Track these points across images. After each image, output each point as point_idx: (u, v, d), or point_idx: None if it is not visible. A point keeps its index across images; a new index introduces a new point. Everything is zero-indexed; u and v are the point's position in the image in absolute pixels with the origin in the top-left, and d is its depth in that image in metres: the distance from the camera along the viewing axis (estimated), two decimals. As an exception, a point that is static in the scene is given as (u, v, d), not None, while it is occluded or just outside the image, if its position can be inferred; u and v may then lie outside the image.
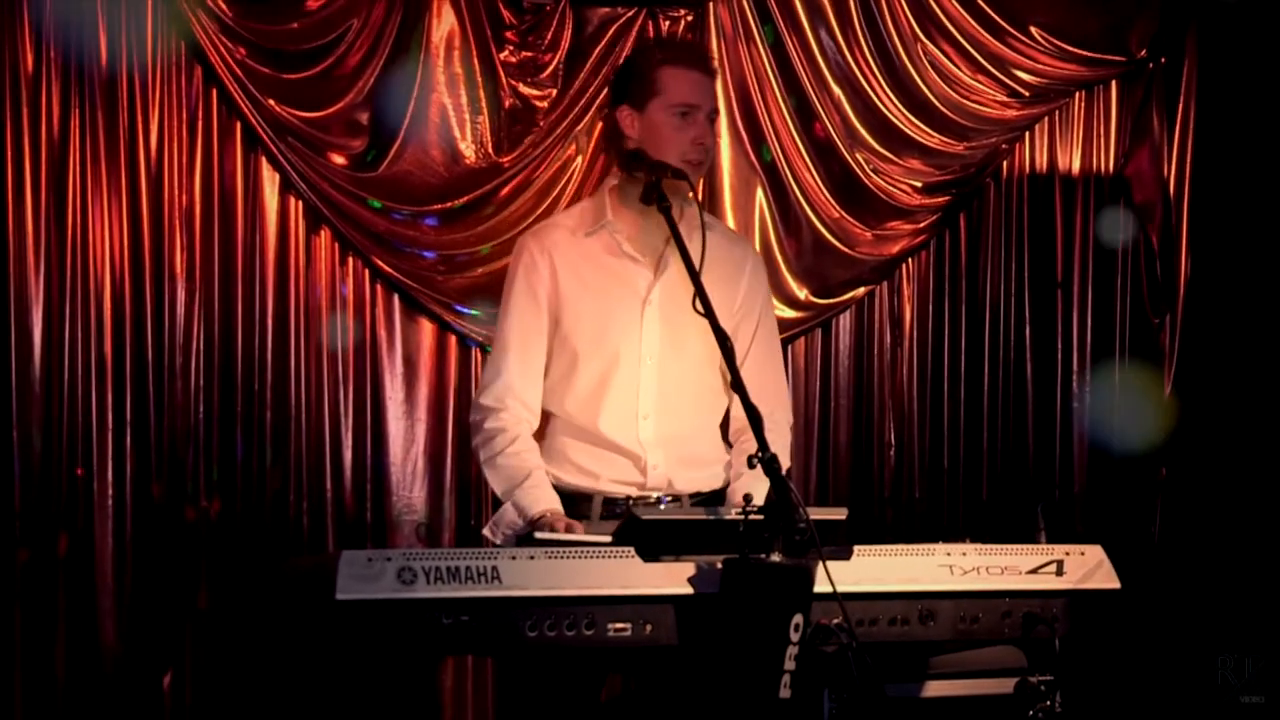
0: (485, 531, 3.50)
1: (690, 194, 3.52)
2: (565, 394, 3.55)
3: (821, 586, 2.73)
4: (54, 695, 4.83)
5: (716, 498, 3.62)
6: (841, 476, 5.59)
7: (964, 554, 2.99)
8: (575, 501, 3.52)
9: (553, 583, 2.65)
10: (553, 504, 3.37)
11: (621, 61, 3.71)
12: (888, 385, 5.62)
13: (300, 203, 5.12)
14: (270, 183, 5.11)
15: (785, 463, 3.54)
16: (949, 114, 5.52)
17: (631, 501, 3.51)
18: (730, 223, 5.43)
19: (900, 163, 5.54)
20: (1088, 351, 5.70)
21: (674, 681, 2.82)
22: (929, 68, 5.51)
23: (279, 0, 5.04)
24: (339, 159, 5.12)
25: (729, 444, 3.70)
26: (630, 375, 3.53)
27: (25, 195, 4.82)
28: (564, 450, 3.56)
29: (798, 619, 2.70)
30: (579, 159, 5.31)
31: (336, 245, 5.17)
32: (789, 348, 5.55)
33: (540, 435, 3.60)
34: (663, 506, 3.52)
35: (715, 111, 3.62)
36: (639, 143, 3.50)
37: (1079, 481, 5.69)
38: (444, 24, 5.20)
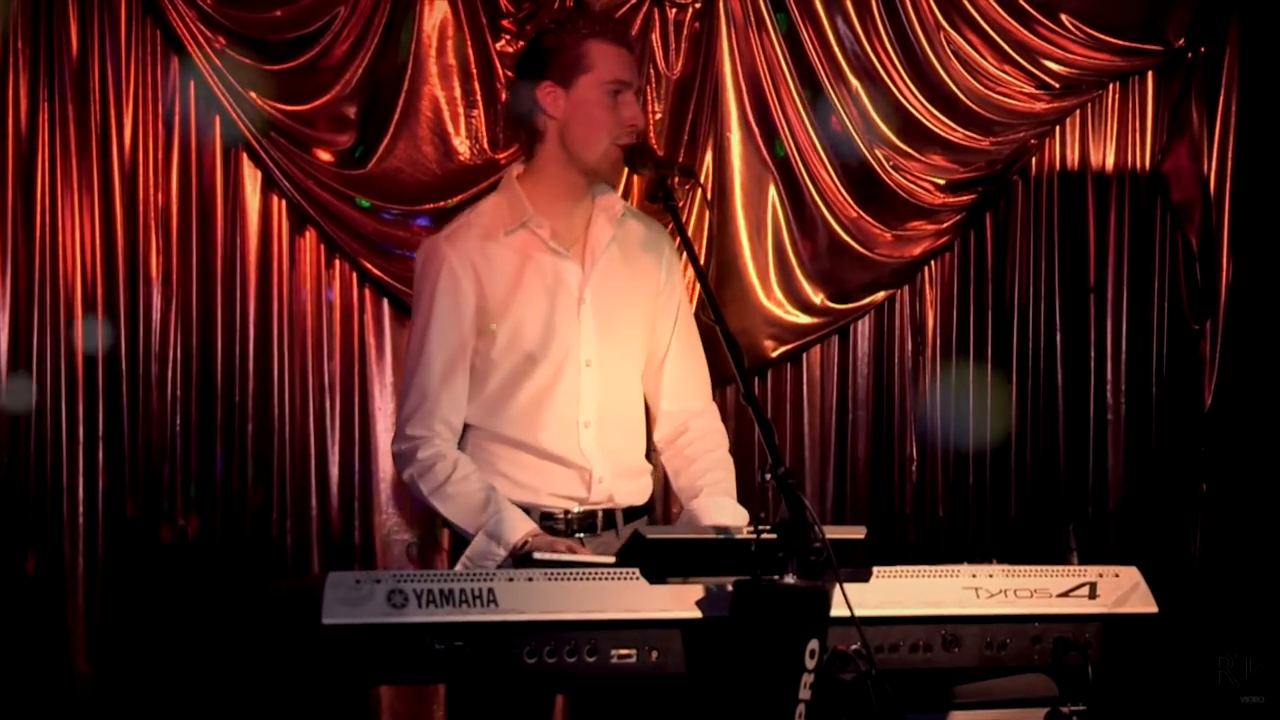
0: (459, 569, 3.43)
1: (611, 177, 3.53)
2: (500, 409, 3.48)
3: (839, 610, 2.73)
4: (22, 726, 4.85)
5: (644, 512, 3.62)
6: (860, 493, 5.59)
7: (991, 576, 2.99)
8: None
9: (553, 606, 2.65)
10: (529, 526, 3.34)
11: (535, 32, 3.63)
12: (909, 396, 5.62)
13: (284, 202, 5.13)
14: (252, 181, 5.12)
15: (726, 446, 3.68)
16: (974, 107, 5.53)
17: (567, 515, 3.50)
18: (741, 223, 5.44)
19: (922, 159, 5.55)
20: (1122, 360, 5.70)
21: (682, 712, 2.81)
22: (953, 58, 5.51)
23: (261, -14, 5.06)
24: (325, 155, 5.13)
25: (653, 450, 3.68)
26: (571, 382, 3.48)
27: (-10, 194, 4.84)
28: (494, 463, 3.48)
29: (813, 645, 2.70)
30: (580, 155, 5.31)
31: (322, 247, 5.18)
32: (803, 356, 5.55)
33: (460, 446, 3.51)
34: (581, 535, 3.48)
35: (641, 90, 3.60)
36: (563, 123, 3.47)
37: (1113, 498, 5.69)
38: (436, 12, 5.21)
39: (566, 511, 3.49)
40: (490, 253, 3.47)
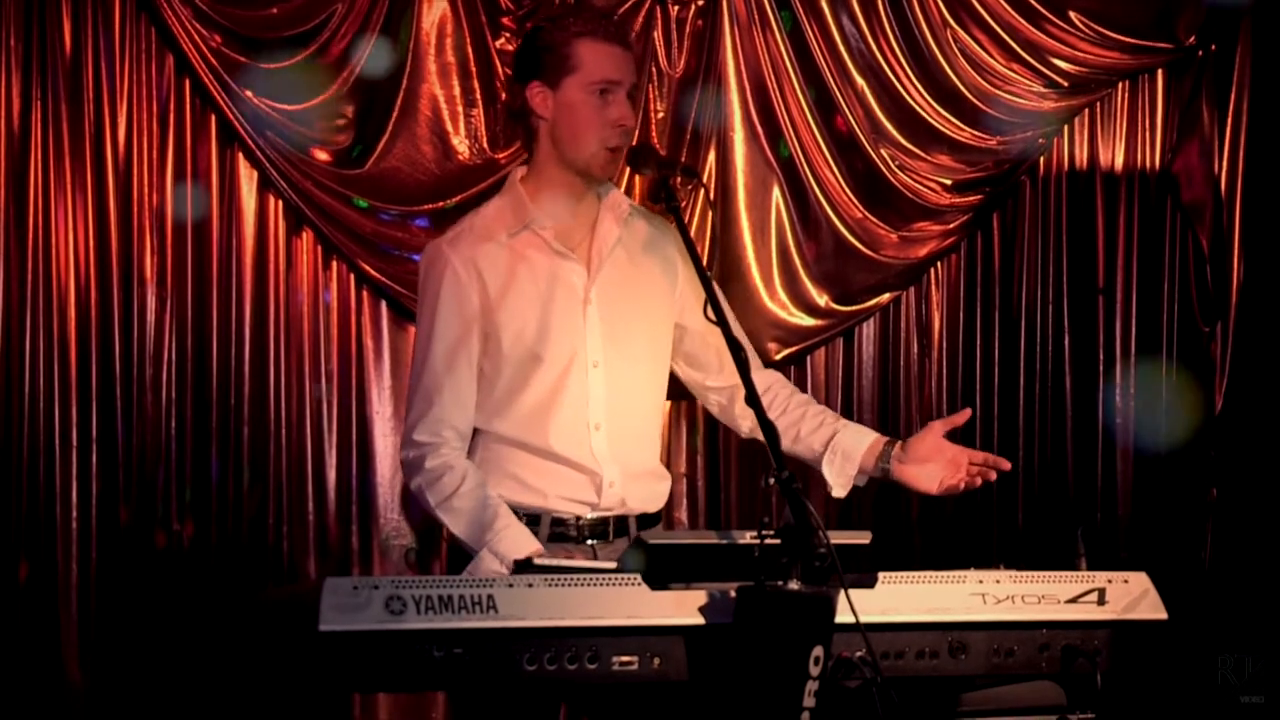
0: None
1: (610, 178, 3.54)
2: (508, 412, 3.49)
3: (844, 617, 2.73)
4: (13, 735, 4.85)
5: (657, 520, 3.61)
6: (865, 497, 5.58)
7: (998, 581, 2.99)
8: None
9: (553, 613, 2.65)
10: (534, 544, 3.33)
11: (528, 31, 3.63)
12: (915, 399, 5.63)
13: (280, 202, 5.14)
14: (248, 181, 5.12)
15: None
16: (981, 106, 5.53)
17: (579, 520, 3.50)
18: (745, 224, 5.44)
19: (928, 159, 5.55)
20: (1132, 363, 5.70)
21: (684, 720, 2.82)
22: (959, 56, 5.51)
23: (257, -17, 5.07)
24: (322, 155, 5.13)
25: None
26: (580, 384, 3.48)
27: (-17, 194, 4.85)
28: (505, 467, 3.49)
29: (818, 652, 2.69)
30: (581, 154, 5.31)
31: (319, 248, 5.19)
32: (808, 359, 5.55)
33: (469, 453, 3.52)
34: (594, 543, 3.49)
35: (637, 88, 3.59)
36: (552, 124, 3.47)
37: (1122, 503, 5.69)
38: (435, 9, 5.21)
39: (578, 518, 3.49)
40: (493, 255, 3.48)
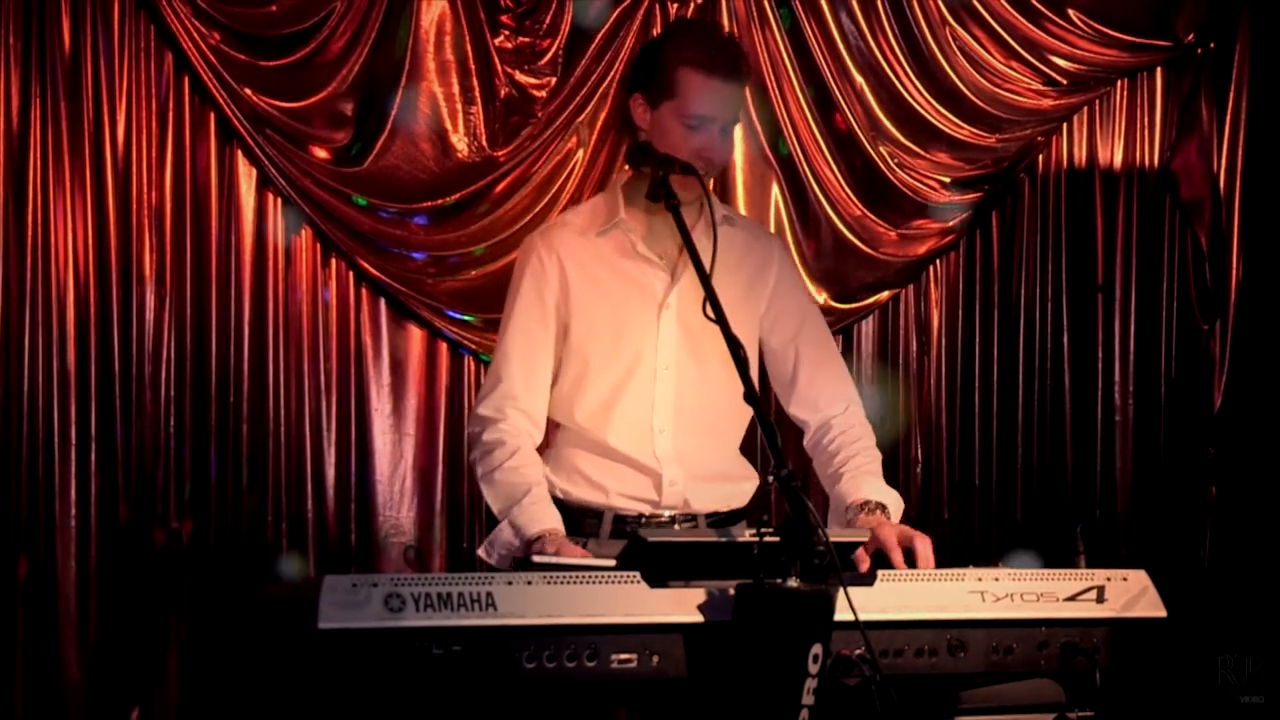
0: (480, 552, 3.50)
1: (700, 190, 3.51)
2: (575, 404, 3.55)
3: (843, 614, 2.73)
4: (13, 732, 4.85)
5: (734, 518, 3.62)
6: (864, 496, 5.59)
7: (997, 579, 2.99)
8: (582, 518, 3.52)
9: (552, 610, 2.65)
10: (553, 523, 3.36)
11: (647, 43, 3.65)
12: (914, 397, 5.63)
13: (279, 200, 5.14)
14: (247, 178, 5.12)
15: (873, 440, 3.59)
16: (980, 104, 5.53)
17: (644, 519, 3.52)
18: (744, 221, 5.44)
19: (927, 156, 5.55)
20: (1131, 360, 5.71)
21: (684, 718, 2.82)
22: (958, 54, 5.52)
23: (256, -19, 5.07)
24: (321, 153, 5.13)
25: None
26: (645, 385, 3.53)
27: (-18, 192, 4.84)
28: (573, 461, 3.56)
29: (817, 649, 2.69)
30: (580, 152, 5.33)
31: (318, 246, 5.19)
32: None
33: (546, 446, 3.60)
34: (676, 527, 3.51)
35: (735, 120, 3.60)
36: (648, 135, 3.50)
37: (1121, 501, 5.69)
38: (434, 7, 5.21)
39: (641, 515, 3.52)
40: (580, 249, 3.55)
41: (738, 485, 3.66)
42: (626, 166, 3.60)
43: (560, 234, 3.58)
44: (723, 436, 3.66)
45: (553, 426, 3.60)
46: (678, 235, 3.45)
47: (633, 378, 3.53)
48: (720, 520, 3.59)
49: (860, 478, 3.48)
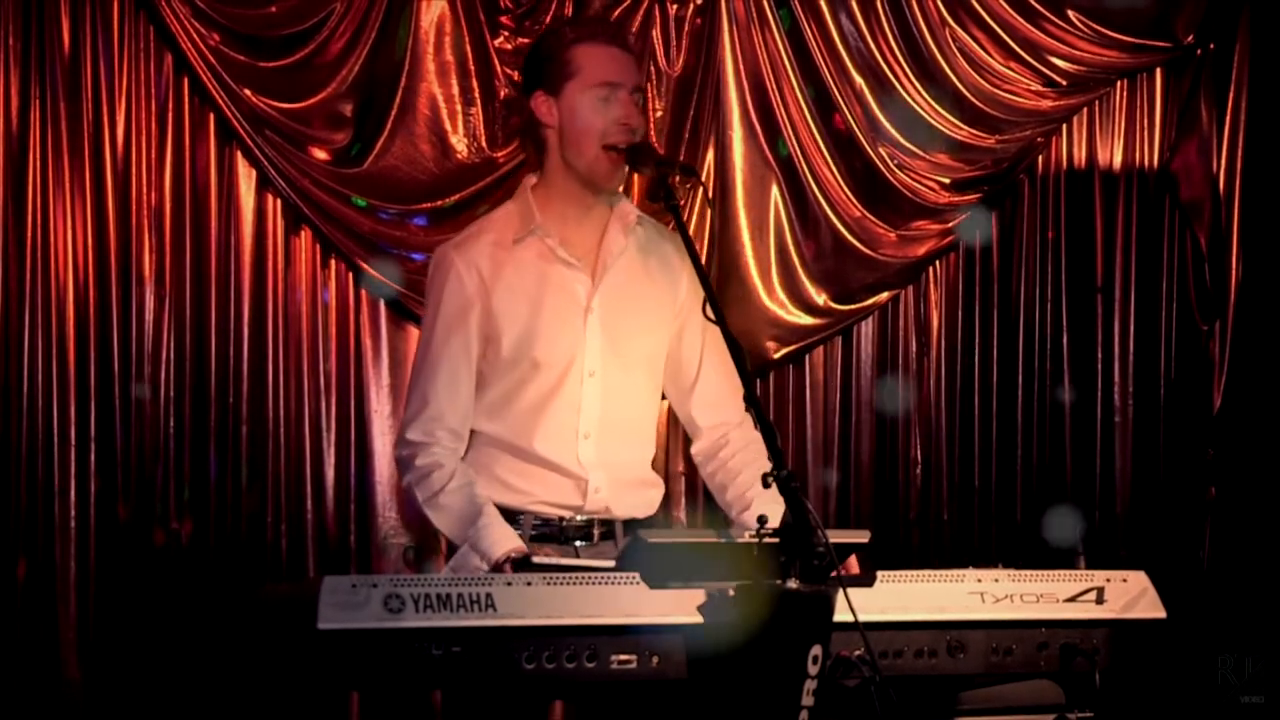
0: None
1: (619, 187, 3.55)
2: (500, 414, 3.51)
3: (842, 615, 2.73)
4: (12, 733, 4.85)
5: (648, 526, 3.60)
6: (864, 496, 5.59)
7: (996, 580, 2.99)
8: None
9: (552, 611, 2.65)
10: (514, 543, 3.34)
11: (530, 45, 3.66)
12: (914, 397, 5.63)
13: (279, 201, 5.14)
14: (246, 179, 5.12)
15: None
16: (979, 105, 5.53)
17: (563, 522, 3.51)
18: (743, 223, 5.44)
19: (927, 157, 5.55)
20: (1130, 361, 5.70)
21: (683, 719, 2.82)
22: (958, 55, 5.52)
23: (255, -18, 5.07)
24: (321, 154, 5.13)
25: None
26: (572, 391, 3.50)
27: (-19, 192, 4.84)
28: (490, 466, 3.51)
29: (816, 650, 2.70)
30: (580, 153, 5.31)
31: (318, 247, 5.19)
32: (806, 357, 5.55)
33: (465, 451, 3.54)
34: (595, 533, 3.49)
35: (640, 89, 3.60)
36: (558, 131, 3.49)
37: (1121, 502, 5.69)
38: (434, 8, 5.21)
39: (562, 519, 3.50)
40: (498, 260, 3.50)
41: (653, 492, 3.66)
42: (536, 171, 3.58)
43: (476, 246, 3.53)
44: (643, 442, 3.65)
45: (471, 434, 3.55)
46: (595, 237, 3.46)
47: (563, 385, 3.50)
48: (638, 526, 3.57)
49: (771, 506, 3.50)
